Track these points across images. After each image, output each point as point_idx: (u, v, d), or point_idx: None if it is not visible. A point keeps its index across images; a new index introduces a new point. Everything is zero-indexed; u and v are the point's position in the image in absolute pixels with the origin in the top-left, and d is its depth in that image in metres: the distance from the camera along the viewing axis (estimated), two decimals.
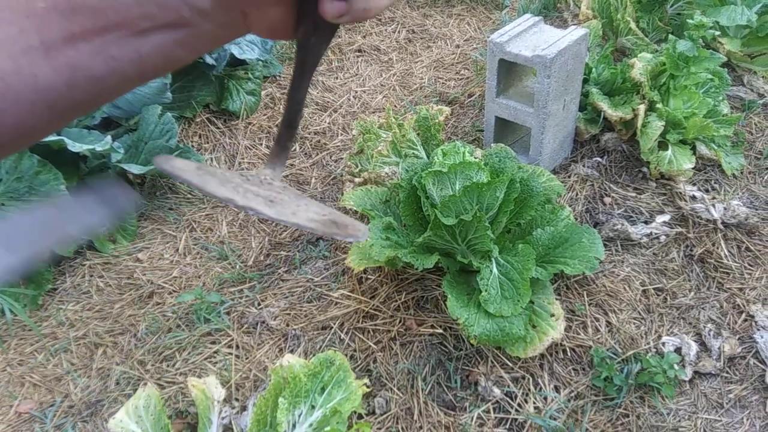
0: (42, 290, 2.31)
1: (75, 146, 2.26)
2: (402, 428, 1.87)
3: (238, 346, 2.11)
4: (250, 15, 0.45)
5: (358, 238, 0.45)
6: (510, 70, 2.52)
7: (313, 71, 0.48)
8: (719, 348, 2.04)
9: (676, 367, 1.96)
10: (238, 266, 2.41)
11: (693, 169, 2.50)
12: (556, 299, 2.05)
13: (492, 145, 2.31)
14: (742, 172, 2.59)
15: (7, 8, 0.39)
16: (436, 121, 2.40)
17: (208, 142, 2.91)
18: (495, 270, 1.98)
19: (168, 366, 2.09)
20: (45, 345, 2.19)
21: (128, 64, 0.42)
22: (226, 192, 0.42)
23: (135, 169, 2.43)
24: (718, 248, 2.30)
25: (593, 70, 2.71)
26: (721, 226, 2.34)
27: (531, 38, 2.41)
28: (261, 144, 2.93)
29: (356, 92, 3.22)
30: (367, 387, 1.87)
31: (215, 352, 2.11)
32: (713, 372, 2.00)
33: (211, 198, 0.49)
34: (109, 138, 2.37)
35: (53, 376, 2.10)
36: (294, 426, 1.76)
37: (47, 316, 2.28)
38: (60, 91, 0.41)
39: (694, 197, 2.44)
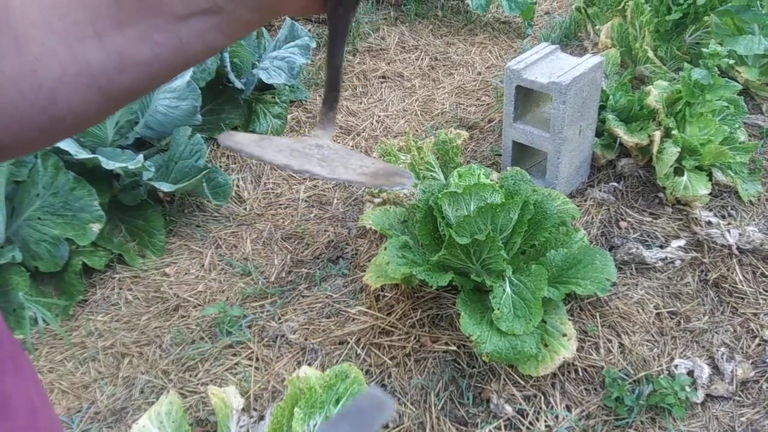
0: (73, 301, 2.41)
1: (108, 164, 2.38)
2: None
3: (257, 359, 2.18)
4: None
5: (404, 185, 0.47)
6: (527, 96, 2.59)
7: (345, 39, 0.52)
8: (732, 372, 2.06)
9: (687, 389, 1.98)
10: (260, 282, 2.49)
11: (709, 195, 2.53)
12: (569, 320, 2.09)
13: (508, 168, 2.37)
14: (759, 199, 2.61)
15: (63, 2, 0.44)
16: (454, 144, 2.47)
17: (235, 163, 3.01)
18: (508, 289, 2.03)
19: (190, 376, 2.16)
20: (74, 354, 2.28)
21: (170, 50, 0.46)
22: (283, 158, 0.47)
23: (165, 187, 2.54)
24: (732, 273, 2.32)
25: (610, 96, 2.77)
26: (736, 252, 2.36)
27: (547, 65, 2.48)
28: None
29: (379, 117, 3.31)
30: None
31: (236, 364, 2.18)
32: (725, 395, 2.01)
33: (270, 165, 0.55)
34: (141, 157, 2.48)
35: (81, 383, 2.19)
36: None
37: (77, 326, 2.38)
38: (111, 77, 0.46)
39: (710, 223, 2.47)
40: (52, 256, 2.35)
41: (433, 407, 1.99)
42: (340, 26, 0.51)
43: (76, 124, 0.49)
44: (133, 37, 0.45)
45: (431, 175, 2.45)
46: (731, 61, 2.65)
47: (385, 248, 2.13)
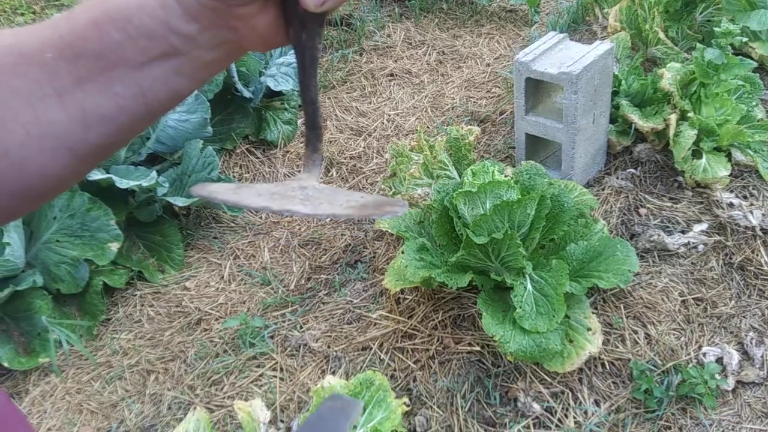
0: (96, 321, 2.43)
1: (122, 183, 2.38)
2: None
3: (282, 369, 2.18)
4: (240, 31, 0.48)
5: (396, 213, 0.45)
6: (538, 88, 2.55)
7: (314, 68, 0.50)
8: (762, 356, 2.02)
9: (717, 377, 1.94)
10: (280, 291, 2.49)
11: (729, 176, 2.48)
12: (593, 313, 2.06)
13: (522, 162, 2.34)
14: None
15: (21, 61, 0.44)
16: (467, 141, 2.45)
17: (248, 172, 3.01)
18: (529, 286, 2.00)
19: (216, 390, 2.17)
20: (100, 373, 2.29)
21: (133, 100, 0.46)
22: (262, 201, 0.46)
23: (180, 201, 2.54)
24: (757, 255, 2.27)
25: (623, 81, 2.72)
26: (760, 233, 2.32)
27: (556, 55, 2.44)
28: (299, 170, 3.01)
29: (389, 116, 3.29)
30: (407, 406, 1.91)
31: (260, 376, 2.18)
32: (757, 381, 1.98)
33: (248, 209, 0.52)
34: (154, 173, 2.48)
35: (109, 402, 2.20)
36: None
37: (102, 345, 2.39)
38: (77, 135, 0.45)
39: (731, 204, 2.43)
40: (73, 277, 2.37)
41: (460, 409, 1.98)
42: (306, 55, 0.49)
43: (52, 188, 0.49)
44: (94, 92, 0.45)
45: (445, 174, 2.43)
46: (744, 39, 2.59)
47: (403, 251, 2.12)
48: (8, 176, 0.45)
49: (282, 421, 2.01)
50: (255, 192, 0.47)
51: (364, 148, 3.11)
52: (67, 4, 4.55)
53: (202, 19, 0.45)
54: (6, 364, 2.20)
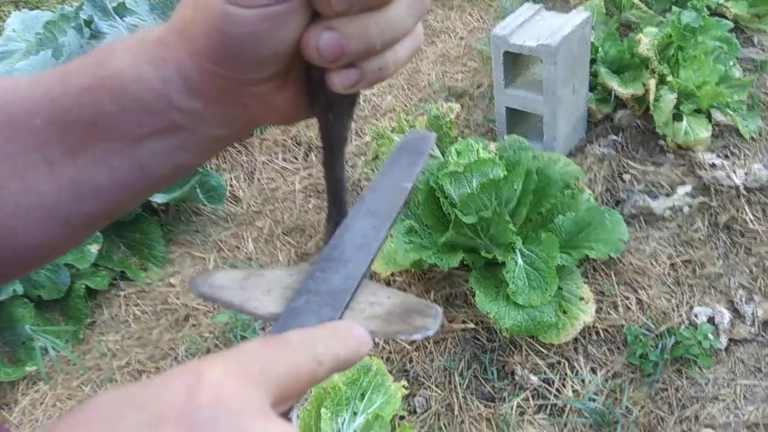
0: (82, 324, 2.37)
1: None
2: (444, 424, 1.90)
3: None
4: (253, 109, 0.42)
5: (428, 330, 0.40)
6: (516, 61, 2.53)
7: (341, 147, 0.45)
8: (752, 313, 2.04)
9: (710, 336, 1.96)
10: None
11: (710, 136, 2.48)
12: (584, 282, 2.06)
13: (505, 137, 2.32)
14: (760, 134, 2.57)
15: (9, 126, 0.40)
16: (448, 119, 2.42)
17: (225, 162, 2.96)
18: (520, 261, 1.99)
19: None
20: (90, 377, 2.25)
21: (130, 175, 0.41)
22: (272, 304, 0.41)
23: (158, 198, 2.48)
24: (742, 214, 2.29)
25: (600, 49, 2.70)
26: (744, 192, 2.33)
27: (534, 27, 2.41)
28: (277, 158, 2.97)
29: (365, 95, 3.25)
30: (405, 388, 1.90)
31: None
32: (748, 338, 2.00)
33: (255, 317, 0.47)
34: None
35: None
36: None
37: (89, 348, 2.34)
38: (68, 207, 0.41)
39: (714, 165, 2.43)
40: (54, 282, 2.31)
41: (458, 387, 1.97)
42: (334, 134, 0.43)
43: (45, 257, 0.45)
44: (87, 164, 0.40)
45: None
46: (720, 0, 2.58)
47: (392, 235, 2.10)
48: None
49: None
50: (265, 286, 0.42)
51: None
52: None
53: (208, 97, 0.40)
54: None
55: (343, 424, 1.82)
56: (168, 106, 0.39)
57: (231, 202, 2.83)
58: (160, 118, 0.40)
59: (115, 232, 2.60)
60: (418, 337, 0.39)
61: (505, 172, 2.01)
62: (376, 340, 2.10)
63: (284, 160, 2.95)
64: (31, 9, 3.85)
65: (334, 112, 0.42)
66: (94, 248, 2.37)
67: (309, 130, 3.05)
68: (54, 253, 0.45)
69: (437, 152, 2.44)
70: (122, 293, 2.52)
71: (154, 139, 0.41)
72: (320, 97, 0.41)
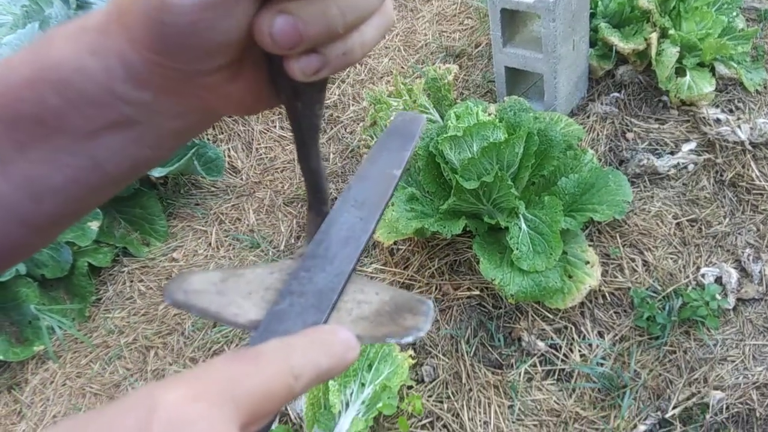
0: (87, 302, 2.37)
1: None
2: (452, 392, 1.91)
3: None
4: (209, 100, 0.39)
5: (420, 330, 0.37)
6: (513, 17, 2.46)
7: (314, 136, 0.42)
8: (760, 272, 2.02)
9: (718, 297, 1.95)
10: (270, 252, 2.44)
11: (714, 91, 2.43)
12: (589, 246, 2.04)
13: (505, 98, 2.28)
14: (765, 87, 2.51)
15: None
16: (446, 81, 2.37)
17: (222, 133, 2.92)
18: (524, 226, 1.97)
19: None
20: (98, 355, 2.26)
21: (86, 172, 0.39)
22: (252, 309, 0.38)
23: (156, 171, 2.46)
24: (748, 170, 2.25)
25: (599, 2, 2.63)
26: (749, 147, 2.29)
27: None
28: (275, 126, 2.93)
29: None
30: (413, 358, 1.91)
31: None
32: (756, 297, 1.99)
33: (233, 326, 0.44)
34: None
35: (111, 383, 2.18)
36: (347, 405, 1.81)
37: (96, 326, 2.35)
38: (27, 207, 0.39)
39: (718, 120, 2.39)
40: (56, 261, 2.30)
41: (465, 355, 1.97)
42: (303, 125, 0.40)
43: (9, 259, 0.42)
44: (39, 161, 0.37)
45: (427, 118, 2.36)
46: None
47: (393, 203, 2.07)
48: None
49: None
50: (245, 287, 0.39)
51: (339, 95, 3.01)
52: None
53: (156, 87, 0.36)
54: (1, 357, 2.16)
55: (351, 395, 1.83)
56: (113, 98, 0.36)
57: (230, 174, 2.80)
58: (108, 111, 0.37)
59: (115, 207, 2.58)
60: (408, 340, 0.37)
61: (506, 135, 1.97)
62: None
63: (282, 128, 2.91)
64: None
65: (302, 101, 0.39)
66: (94, 225, 2.35)
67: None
68: (18, 255, 0.43)
69: (436, 116, 2.40)
70: (126, 269, 2.51)
71: (107, 133, 0.38)
72: (284, 86, 0.38)
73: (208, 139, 2.86)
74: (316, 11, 0.33)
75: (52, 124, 0.37)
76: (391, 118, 2.32)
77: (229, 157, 2.84)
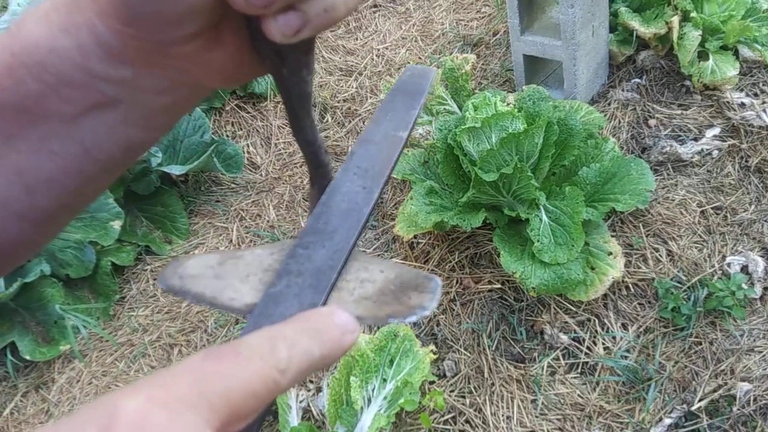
0: (111, 301, 2.40)
1: None
2: (474, 387, 1.90)
3: None
4: (191, 71, 0.37)
5: (425, 309, 0.35)
6: (531, 4, 2.42)
7: (306, 106, 0.39)
8: None
9: (744, 286, 1.91)
10: None
11: (738, 74, 2.38)
12: (612, 236, 2.01)
13: (524, 87, 2.25)
14: None
15: None
16: (463, 71, 2.34)
17: (241, 129, 2.92)
18: (544, 218, 1.95)
19: None
20: (123, 353, 2.29)
21: (76, 158, 0.37)
22: (248, 293, 0.36)
23: (176, 169, 2.47)
24: None
25: None
26: None
27: None
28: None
29: (378, 50, 3.16)
30: (434, 353, 1.90)
31: None
32: None
33: (229, 312, 0.42)
34: None
35: (136, 381, 2.20)
36: (369, 401, 1.81)
37: (120, 325, 2.37)
38: (22, 201, 0.38)
39: (743, 105, 2.34)
40: (80, 261, 2.33)
41: (487, 349, 1.96)
42: (293, 92, 0.38)
43: (12, 258, 0.41)
44: (28, 151, 0.36)
45: (445, 109, 2.34)
46: None
47: (411, 197, 2.06)
48: None
49: (311, 382, 2.00)
50: (243, 269, 0.37)
51: (356, 88, 3.00)
52: None
53: (134, 62, 0.35)
54: (28, 357, 2.19)
55: (373, 391, 1.82)
56: (91, 77, 0.35)
57: (250, 170, 2.80)
58: (88, 92, 0.35)
59: (137, 206, 2.60)
60: (412, 319, 0.35)
61: (525, 125, 1.94)
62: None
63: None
64: None
65: (288, 67, 0.36)
66: (116, 224, 2.37)
67: (323, 89, 2.99)
68: (21, 253, 0.42)
69: (455, 107, 2.37)
70: (149, 267, 2.53)
71: (91, 115, 0.36)
72: (267, 50, 0.35)
73: (227, 136, 2.87)
74: None
75: (34, 110, 0.35)
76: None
77: (248, 153, 2.84)
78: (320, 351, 0.30)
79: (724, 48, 2.43)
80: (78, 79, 0.35)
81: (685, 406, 1.74)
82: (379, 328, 1.90)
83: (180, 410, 0.25)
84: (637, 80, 2.53)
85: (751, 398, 1.71)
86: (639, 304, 1.97)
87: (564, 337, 1.93)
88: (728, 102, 2.35)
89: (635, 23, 2.45)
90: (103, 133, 0.37)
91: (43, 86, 0.35)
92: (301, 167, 2.74)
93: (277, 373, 0.29)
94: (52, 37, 0.34)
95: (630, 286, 1.99)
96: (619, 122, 2.42)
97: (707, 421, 1.71)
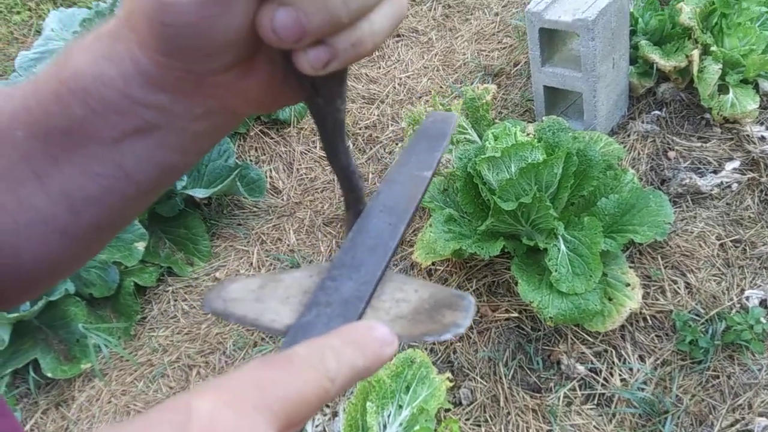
0: (132, 321, 2.44)
1: None
2: (490, 416, 1.90)
3: None
4: (226, 98, 0.39)
5: (459, 327, 0.36)
6: (552, 37, 2.46)
7: (340, 134, 0.41)
8: None
9: (763, 320, 1.90)
10: None
11: (758, 108, 2.38)
12: (630, 267, 2.02)
13: (544, 118, 2.27)
14: None
15: None
16: (484, 101, 2.38)
17: (264, 154, 2.97)
18: (563, 247, 1.96)
19: None
20: (143, 373, 2.32)
21: (117, 180, 0.40)
22: (288, 315, 0.37)
23: (200, 193, 2.52)
24: None
25: (639, 20, 2.61)
26: None
27: (569, 1, 2.34)
28: (315, 147, 2.97)
29: (400, 79, 3.21)
30: (450, 381, 1.90)
31: None
32: None
33: (272, 334, 0.44)
34: None
35: (155, 401, 2.23)
36: (384, 427, 1.82)
37: (141, 345, 2.41)
38: (65, 220, 0.40)
39: (763, 138, 2.34)
40: (104, 280, 2.37)
41: (503, 378, 1.96)
42: (328, 121, 0.40)
43: (55, 274, 0.44)
44: (73, 173, 0.39)
45: (465, 138, 2.37)
46: None
47: (430, 224, 2.08)
48: (5, 268, 0.41)
49: (327, 406, 2.02)
50: (283, 293, 0.39)
51: (378, 116, 3.04)
52: (60, 4, 4.47)
53: (172, 90, 0.37)
54: (50, 374, 2.23)
55: (388, 417, 1.83)
56: (133, 103, 0.37)
57: (271, 194, 2.85)
58: (130, 117, 0.38)
59: (161, 227, 2.65)
60: (447, 336, 0.36)
61: (545, 155, 1.96)
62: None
63: (322, 149, 2.95)
64: (68, 7, 3.90)
65: (322, 96, 0.38)
66: (140, 245, 2.42)
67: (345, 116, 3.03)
68: (61, 270, 0.44)
69: (475, 136, 2.40)
70: (170, 288, 2.57)
71: (132, 140, 0.39)
72: (302, 81, 0.37)
73: (251, 161, 2.92)
74: (317, 1, 0.32)
75: (79, 134, 0.38)
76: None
77: (271, 177, 2.89)
78: (363, 363, 0.32)
79: (744, 81, 2.44)
80: (120, 105, 0.37)
81: None
82: (396, 352, 1.91)
83: (247, 412, 0.27)
84: (657, 112, 2.55)
85: None
86: (656, 336, 1.96)
87: (581, 368, 1.93)
88: (748, 135, 2.36)
89: (655, 56, 2.47)
90: (142, 156, 0.40)
91: (88, 111, 0.37)
92: (321, 192, 2.78)
93: (327, 382, 0.30)
94: (96, 65, 0.37)
95: (648, 317, 1.99)
96: (639, 154, 2.43)
97: None
